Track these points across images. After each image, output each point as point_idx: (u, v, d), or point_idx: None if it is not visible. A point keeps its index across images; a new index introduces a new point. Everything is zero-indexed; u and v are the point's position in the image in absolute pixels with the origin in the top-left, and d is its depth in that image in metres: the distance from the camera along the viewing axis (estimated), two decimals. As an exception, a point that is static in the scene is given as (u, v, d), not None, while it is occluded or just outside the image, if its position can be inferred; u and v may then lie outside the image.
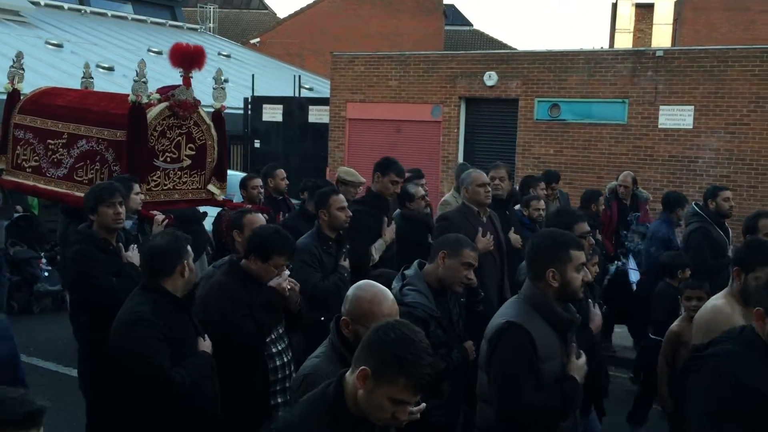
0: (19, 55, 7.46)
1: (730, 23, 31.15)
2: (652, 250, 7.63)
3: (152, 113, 6.41)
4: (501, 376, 3.37)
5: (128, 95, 6.71)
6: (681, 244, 7.46)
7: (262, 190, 7.53)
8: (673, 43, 32.52)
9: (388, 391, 2.42)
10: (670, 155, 14.20)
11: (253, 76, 19.67)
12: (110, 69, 18.52)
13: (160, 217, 5.98)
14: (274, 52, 30.55)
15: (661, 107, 14.25)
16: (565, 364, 3.44)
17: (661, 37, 34.25)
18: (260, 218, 4.87)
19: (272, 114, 18.22)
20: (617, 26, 36.09)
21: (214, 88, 7.10)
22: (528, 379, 3.29)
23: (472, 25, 39.99)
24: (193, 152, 6.85)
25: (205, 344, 3.87)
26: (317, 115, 18.11)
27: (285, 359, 4.30)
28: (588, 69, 14.94)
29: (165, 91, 6.63)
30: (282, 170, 7.94)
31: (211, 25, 32.72)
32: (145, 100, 6.32)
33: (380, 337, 2.47)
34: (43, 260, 10.02)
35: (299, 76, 20.90)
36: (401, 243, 6.13)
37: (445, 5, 34.94)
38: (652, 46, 30.40)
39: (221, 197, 7.12)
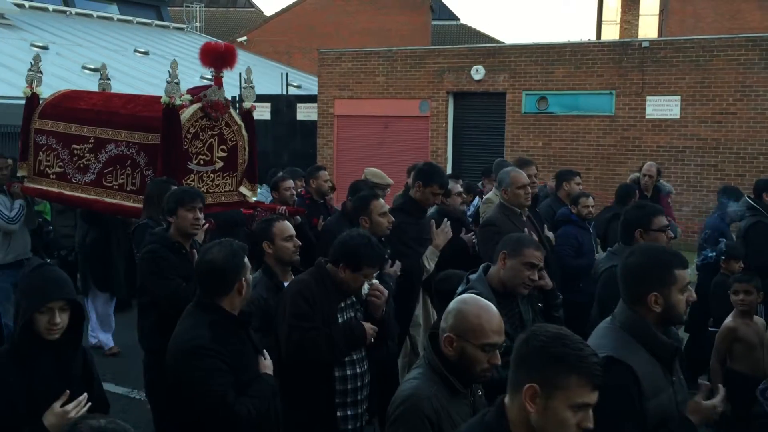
0: (37, 58, 7.20)
1: (716, 13, 31.22)
2: (706, 246, 7.16)
3: (185, 115, 6.19)
4: (599, 422, 2.79)
5: (155, 97, 6.51)
6: (737, 239, 7.07)
7: (295, 192, 7.19)
8: (660, 33, 32.59)
9: (564, 398, 2.18)
10: (658, 145, 14.27)
11: (240, 74, 19.61)
12: (96, 70, 18.42)
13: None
14: (261, 50, 30.48)
15: (648, 98, 14.31)
16: (678, 402, 3.00)
17: (648, 27, 34.29)
18: (289, 226, 4.55)
19: (260, 112, 18.16)
20: (604, 18, 36.13)
21: (243, 87, 6.91)
22: (631, 426, 2.85)
23: (459, 20, 39.96)
24: (225, 154, 6.63)
25: (266, 364, 3.54)
26: (305, 112, 18.10)
27: (359, 369, 4.01)
28: (575, 61, 14.98)
29: (196, 92, 6.41)
30: (325, 171, 7.52)
31: (198, 24, 32.61)
32: (178, 102, 6.11)
33: (532, 346, 2.24)
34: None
35: (287, 74, 20.85)
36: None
37: (432, 0, 34.92)
38: (639, 37, 30.47)
39: (253, 199, 6.91)
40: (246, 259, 3.52)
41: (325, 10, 32.07)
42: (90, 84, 11.42)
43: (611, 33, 35.18)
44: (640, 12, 34.62)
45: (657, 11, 34.12)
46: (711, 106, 13.83)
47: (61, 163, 6.83)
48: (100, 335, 7.65)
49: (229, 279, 3.42)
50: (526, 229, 5.30)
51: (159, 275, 4.56)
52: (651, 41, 15.06)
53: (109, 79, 7.65)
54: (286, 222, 4.57)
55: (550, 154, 15.17)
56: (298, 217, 6.60)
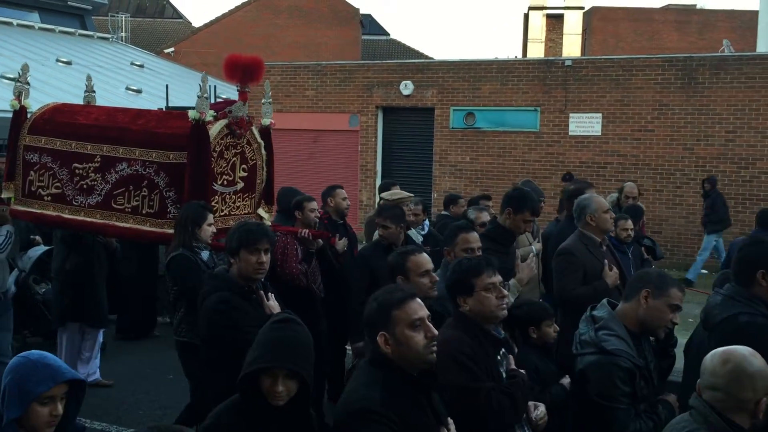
0: (25, 68, 6.57)
1: (636, 33, 32.41)
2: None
3: (212, 132, 5.73)
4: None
5: (168, 112, 6.03)
6: None
7: (320, 213, 6.62)
8: (583, 52, 33.58)
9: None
10: (581, 161, 14.67)
11: (167, 86, 19.33)
12: (14, 80, 17.89)
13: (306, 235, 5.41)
14: (189, 61, 30.09)
15: (571, 115, 14.72)
16: None
17: (572, 46, 35.31)
18: (426, 259, 4.05)
19: (188, 125, 17.93)
20: (529, 36, 37.03)
21: (263, 103, 6.47)
22: None
23: (389, 35, 40.32)
24: (246, 174, 6.19)
25: None
26: (234, 125, 17.93)
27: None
28: (501, 78, 15.30)
29: (221, 107, 5.92)
30: (342, 189, 7.04)
31: (124, 34, 31.95)
32: (208, 118, 5.62)
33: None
34: None
35: (215, 86, 20.61)
36: None
37: (362, 15, 35.14)
38: (563, 55, 31.33)
39: (270, 221, 6.34)
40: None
41: (255, 22, 31.92)
42: (6, 93, 11.09)
43: (537, 51, 36.06)
44: (564, 31, 35.62)
45: (580, 30, 35.16)
46: (630, 123, 14.31)
47: (58, 184, 6.20)
48: (79, 368, 6.91)
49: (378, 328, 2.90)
50: (606, 262, 5.13)
51: (235, 328, 3.91)
52: (574, 60, 15.52)
53: (94, 92, 7.08)
54: (424, 254, 4.10)
55: (478, 168, 15.42)
56: (320, 240, 6.06)
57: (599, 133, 14.57)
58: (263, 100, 6.49)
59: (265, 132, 6.45)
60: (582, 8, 35.54)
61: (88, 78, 7.04)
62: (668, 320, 3.60)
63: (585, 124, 14.66)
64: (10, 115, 6.59)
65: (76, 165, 6.12)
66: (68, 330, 6.93)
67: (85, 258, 6.82)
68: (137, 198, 5.83)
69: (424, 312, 2.87)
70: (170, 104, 18.31)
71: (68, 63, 21.71)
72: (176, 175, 5.65)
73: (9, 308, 6.28)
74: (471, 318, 3.43)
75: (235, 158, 6.05)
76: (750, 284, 3.63)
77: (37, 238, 7.99)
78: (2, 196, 6.44)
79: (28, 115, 6.56)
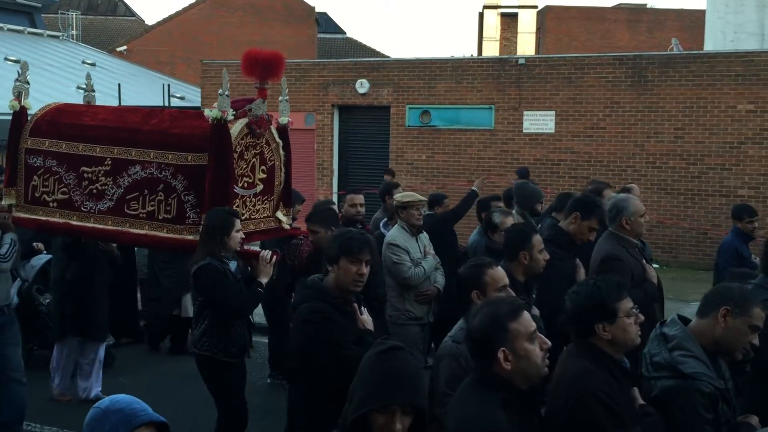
0: (24, 66, 6.21)
1: (589, 32, 32.89)
2: (722, 264, 6.92)
3: (233, 132, 5.42)
4: None
5: (181, 111, 5.79)
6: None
7: (362, 208, 6.53)
8: (537, 50, 33.96)
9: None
10: (535, 158, 14.85)
11: (119, 85, 19.07)
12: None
13: (266, 253, 5.04)
14: (142, 60, 29.69)
15: (525, 113, 14.89)
16: None
17: (526, 45, 35.69)
18: (503, 273, 3.87)
19: (141, 124, 17.70)
20: (484, 35, 37.33)
21: (280, 101, 6.16)
22: None
23: (345, 33, 40.29)
24: (265, 175, 5.86)
25: None
26: (189, 124, 17.75)
27: None
28: (456, 76, 15.41)
29: (240, 105, 5.60)
30: (356, 195, 6.75)
31: (74, 32, 31.40)
32: (230, 117, 5.32)
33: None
34: None
35: (168, 85, 20.41)
36: None
37: (318, 13, 35.05)
38: (518, 53, 31.64)
39: (288, 225, 6.11)
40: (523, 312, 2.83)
41: (209, 20, 31.62)
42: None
43: (492, 49, 36.37)
44: (519, 30, 35.99)
45: (534, 29, 35.56)
46: (583, 121, 14.54)
47: (65, 189, 5.85)
48: (58, 383, 6.73)
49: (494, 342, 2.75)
50: (646, 264, 5.12)
51: (328, 342, 3.68)
52: (527, 58, 15.70)
53: (94, 91, 6.68)
54: (500, 268, 3.90)
55: (434, 166, 15.52)
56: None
57: (553, 131, 14.77)
58: (280, 98, 6.18)
59: (283, 131, 6.13)
60: (536, 7, 35.95)
61: (88, 77, 6.67)
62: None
63: (539, 121, 14.85)
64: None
65: (84, 169, 5.77)
66: (67, 343, 6.65)
67: (86, 267, 6.50)
68: (152, 203, 5.49)
69: (534, 323, 2.79)
70: (123, 103, 18.06)
71: (17, 62, 21.24)
72: (195, 178, 5.33)
73: (14, 321, 5.94)
74: (601, 348, 3.07)
75: (254, 159, 5.73)
76: None
77: (40, 245, 7.59)
78: (3, 203, 6.07)
79: (29, 117, 6.20)
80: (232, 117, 5.39)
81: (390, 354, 2.50)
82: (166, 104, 19.38)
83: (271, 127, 5.87)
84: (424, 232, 6.54)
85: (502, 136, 15.11)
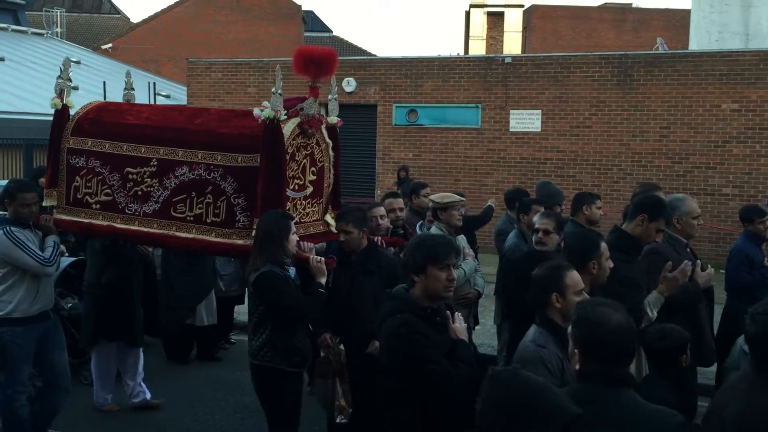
0: (67, 63, 5.93)
1: (575, 31, 33.04)
2: (731, 270, 6.77)
3: (285, 132, 5.18)
4: None
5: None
6: None
7: (384, 221, 6.04)
8: (524, 49, 34.07)
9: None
10: (521, 157, 14.90)
11: (104, 83, 18.95)
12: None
13: (316, 257, 4.88)
14: (127, 58, 29.52)
15: (512, 111, 14.93)
16: None
17: (513, 44, 35.79)
18: (578, 276, 3.77)
19: (127, 122, 17.60)
20: (471, 33, 37.40)
21: (330, 100, 5.95)
22: None
23: (331, 32, 40.26)
24: (315, 177, 5.61)
25: None
26: (174, 122, 17.69)
27: None
28: (442, 75, 15.43)
29: (292, 105, 5.34)
30: (395, 201, 6.44)
31: (59, 30, 31.17)
32: (283, 117, 5.09)
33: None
34: None
35: (154, 83, 20.29)
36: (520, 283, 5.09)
37: (305, 12, 35.00)
38: (504, 52, 31.74)
39: (335, 229, 5.81)
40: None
41: (195, 18, 31.49)
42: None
43: (478, 48, 36.44)
44: (505, 29, 36.09)
45: (520, 28, 35.66)
46: (569, 119, 14.59)
47: (108, 191, 5.62)
48: (98, 392, 6.53)
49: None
50: (699, 263, 5.02)
51: (419, 357, 3.52)
52: (513, 57, 15.74)
53: (134, 89, 6.41)
54: (575, 272, 3.76)
55: (420, 165, 15.53)
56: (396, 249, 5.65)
57: (539, 130, 14.82)
58: (330, 96, 5.92)
59: (333, 131, 5.84)
60: (522, 6, 36.05)
61: (128, 75, 6.44)
62: None
63: (525, 120, 14.89)
64: None
65: (128, 169, 5.53)
66: (103, 349, 6.46)
67: (123, 272, 6.30)
68: (200, 205, 5.25)
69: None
70: (108, 101, 17.94)
71: (1, 59, 21.09)
72: (246, 180, 5.10)
73: (59, 325, 5.79)
74: None
75: (305, 160, 5.48)
76: None
77: (62, 248, 7.60)
78: (44, 204, 5.81)
79: (71, 115, 5.92)
80: (285, 117, 5.16)
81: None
82: (153, 102, 19.29)
83: (322, 126, 5.63)
84: (462, 234, 6.34)
85: (489, 134, 15.15)
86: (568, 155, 14.61)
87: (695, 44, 16.29)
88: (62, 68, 5.88)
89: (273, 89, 5.11)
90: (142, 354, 6.66)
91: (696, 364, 4.96)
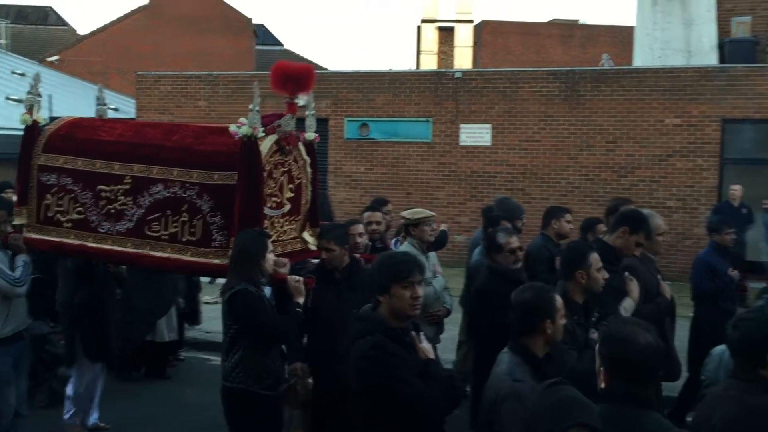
0: (37, 78, 5.81)
1: (524, 46, 33.53)
2: (695, 279, 6.98)
3: (263, 149, 5.12)
4: None
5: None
6: None
7: (362, 239, 6.05)
8: (474, 64, 34.45)
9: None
10: (472, 171, 15.05)
11: (50, 96, 18.59)
12: None
13: (294, 277, 4.81)
14: (75, 70, 29.01)
15: (462, 126, 15.09)
16: None
17: (463, 58, 36.14)
18: (597, 257, 4.34)
19: (73, 136, 17.28)
20: (422, 48, 37.67)
21: (307, 115, 5.91)
22: None
23: (282, 45, 40.17)
24: (292, 194, 5.58)
25: None
26: (123, 136, 17.43)
27: None
28: (393, 89, 15.52)
29: (269, 121, 5.29)
30: (372, 215, 6.49)
31: (3, 41, 30.53)
32: (260, 134, 5.02)
33: None
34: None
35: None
36: (482, 302, 5.20)
37: (256, 25, 34.88)
38: (455, 67, 32.04)
39: (314, 246, 5.77)
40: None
41: (144, 31, 31.12)
42: None
43: (430, 63, 36.72)
44: (455, 44, 36.43)
45: (471, 43, 36.06)
46: (518, 134, 14.80)
47: (81, 209, 5.50)
48: (72, 413, 6.42)
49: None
50: (659, 278, 5.20)
51: (391, 379, 3.48)
52: (464, 72, 15.92)
53: (106, 104, 6.34)
54: (596, 253, 4.39)
55: (372, 179, 15.57)
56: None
57: (489, 143, 14.99)
58: (307, 112, 5.91)
59: (310, 147, 5.86)
60: (472, 22, 36.48)
61: (100, 90, 6.36)
62: None
63: (475, 134, 15.06)
64: None
65: (101, 187, 5.43)
66: (84, 370, 6.37)
67: (96, 291, 6.22)
68: (176, 224, 5.17)
69: None
70: (54, 115, 17.61)
71: (-58, 71, 20.55)
72: (222, 198, 5.06)
73: (28, 350, 5.70)
74: None
75: (282, 177, 5.45)
76: None
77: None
78: (14, 222, 5.70)
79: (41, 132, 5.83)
80: (262, 134, 5.11)
81: (554, 387, 2.59)
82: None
83: (299, 143, 5.62)
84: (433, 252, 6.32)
85: (440, 148, 15.27)
86: (517, 169, 14.81)
87: (639, 60, 16.69)
88: (32, 83, 5.74)
89: (250, 106, 5.05)
90: (103, 378, 6.58)
91: (663, 379, 5.09)
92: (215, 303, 10.33)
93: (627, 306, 4.70)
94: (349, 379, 3.59)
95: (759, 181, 12.96)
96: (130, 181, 5.33)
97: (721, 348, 3.68)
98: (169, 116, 16.64)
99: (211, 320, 9.45)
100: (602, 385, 2.78)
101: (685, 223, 13.64)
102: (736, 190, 11.91)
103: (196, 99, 16.63)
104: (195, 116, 16.50)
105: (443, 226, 8.22)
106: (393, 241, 6.99)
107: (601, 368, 2.78)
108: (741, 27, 15.54)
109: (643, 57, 16.55)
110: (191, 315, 8.32)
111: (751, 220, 11.37)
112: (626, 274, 4.92)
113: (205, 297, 9.78)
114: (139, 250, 5.29)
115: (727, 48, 15.29)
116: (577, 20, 36.85)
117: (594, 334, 4.16)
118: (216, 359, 8.43)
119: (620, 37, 32.04)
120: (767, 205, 11.71)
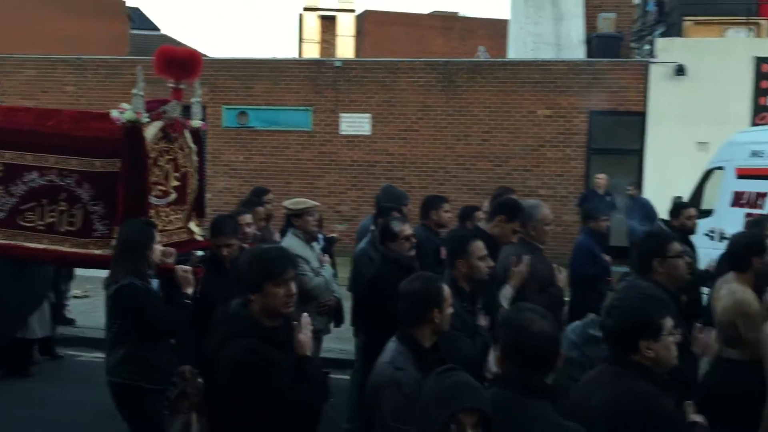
0: None
1: (407, 37, 33.91)
2: (576, 266, 7.13)
3: (148, 136, 4.92)
4: None
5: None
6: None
7: (250, 228, 5.93)
8: (357, 54, 34.56)
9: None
10: (352, 160, 15.11)
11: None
12: None
13: (185, 271, 4.60)
14: (-70, 52, 27.11)
15: (342, 115, 15.11)
16: None
17: (346, 48, 36.15)
18: (482, 245, 4.42)
19: (-72, 122, 16.17)
20: (304, 36, 37.41)
21: (192, 103, 5.72)
22: None
23: (159, 30, 38.90)
24: (178, 183, 5.39)
25: None
26: (-16, 122, 16.43)
27: None
28: (273, 77, 15.36)
29: (154, 107, 5.07)
30: (242, 218, 6.03)
31: None
32: (145, 120, 4.83)
33: None
34: None
35: (-39, 80, 18.77)
36: (376, 290, 5.15)
37: (130, 8, 33.61)
38: (337, 56, 32.04)
39: (201, 237, 5.63)
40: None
41: (9, 12, 29.39)
42: None
43: (312, 51, 36.51)
44: (337, 33, 36.40)
45: (353, 33, 36.13)
46: (397, 123, 14.97)
47: None
48: None
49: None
50: (555, 266, 5.23)
51: (266, 388, 3.31)
52: (344, 61, 15.94)
53: None
54: (480, 241, 4.45)
55: (252, 168, 15.37)
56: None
57: (369, 133, 15.09)
58: (193, 99, 5.73)
59: (197, 135, 5.69)
60: (354, 11, 36.55)
61: None
62: None
63: (355, 123, 15.12)
64: None
65: None
66: None
67: None
68: (53, 214, 4.98)
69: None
70: None
71: None
72: (104, 187, 4.87)
73: None
74: (647, 367, 2.91)
75: (168, 166, 5.26)
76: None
77: None
78: None
79: None
80: (147, 120, 4.93)
81: (449, 372, 2.60)
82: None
83: (185, 131, 5.45)
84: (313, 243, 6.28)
85: (320, 137, 15.24)
86: (396, 158, 14.98)
87: (513, 53, 17.20)
88: None
89: (134, 90, 4.89)
90: None
91: None
92: (84, 297, 9.95)
93: (505, 293, 4.77)
94: (219, 381, 3.38)
95: (621, 170, 13.66)
96: (1, 168, 5.11)
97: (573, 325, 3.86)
98: (34, 101, 15.77)
99: (79, 314, 9.10)
100: (496, 369, 2.87)
101: (556, 211, 14.17)
102: (601, 178, 12.49)
103: (63, 84, 15.88)
104: (63, 102, 15.75)
105: (335, 234, 8.13)
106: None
107: (498, 353, 2.86)
108: (607, 23, 16.29)
109: (516, 50, 17.07)
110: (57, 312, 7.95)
111: (614, 206, 11.96)
112: (512, 258, 5.00)
113: (74, 291, 9.40)
114: (12, 242, 5.09)
115: (594, 43, 16.00)
116: (456, 12, 37.58)
117: (482, 321, 4.37)
118: (84, 355, 8.19)
119: (497, 30, 32.91)
120: (631, 191, 12.36)
